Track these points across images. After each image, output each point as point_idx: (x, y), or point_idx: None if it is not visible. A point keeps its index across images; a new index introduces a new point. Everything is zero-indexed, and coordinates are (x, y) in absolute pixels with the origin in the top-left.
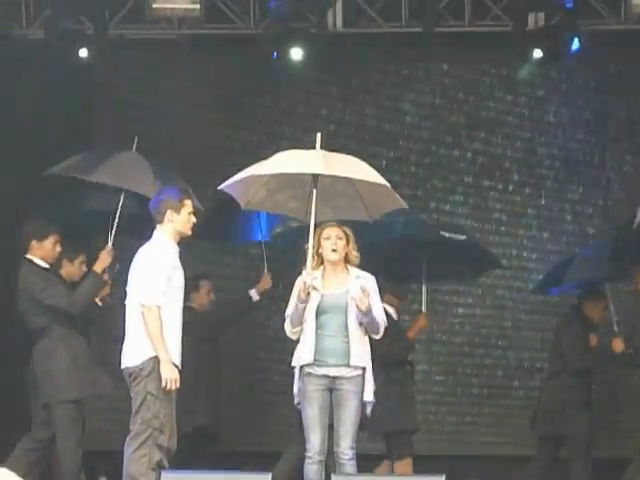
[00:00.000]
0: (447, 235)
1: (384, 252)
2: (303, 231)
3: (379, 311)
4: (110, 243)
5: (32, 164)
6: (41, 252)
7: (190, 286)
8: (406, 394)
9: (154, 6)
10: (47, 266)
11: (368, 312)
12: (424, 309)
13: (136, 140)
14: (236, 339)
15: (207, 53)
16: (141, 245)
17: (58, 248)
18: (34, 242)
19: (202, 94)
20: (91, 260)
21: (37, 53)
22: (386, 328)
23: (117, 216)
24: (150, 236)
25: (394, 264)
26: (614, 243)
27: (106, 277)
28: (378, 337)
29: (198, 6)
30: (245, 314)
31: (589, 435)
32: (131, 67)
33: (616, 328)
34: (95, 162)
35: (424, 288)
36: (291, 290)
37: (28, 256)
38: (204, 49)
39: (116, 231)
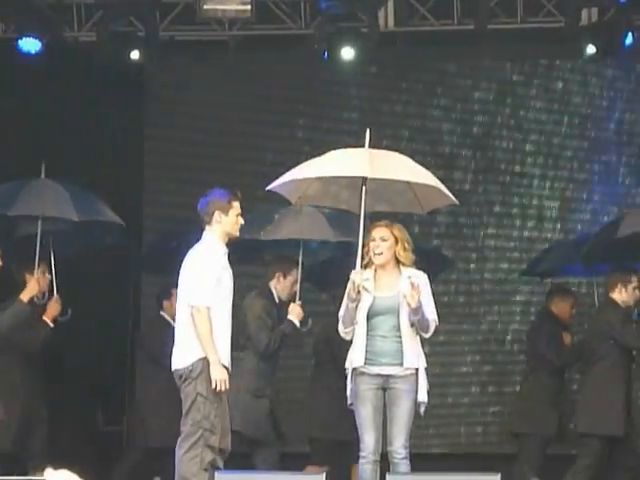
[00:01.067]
0: None
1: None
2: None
3: (430, 309)
4: (35, 271)
5: (85, 164)
6: None
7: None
8: None
9: (205, 7)
10: None
11: (418, 309)
12: None
13: (44, 166)
14: None
15: (258, 54)
16: None
17: None
18: None
19: (252, 95)
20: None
21: (89, 55)
22: None
23: (38, 243)
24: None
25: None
26: (594, 240)
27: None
28: (428, 336)
29: (249, 7)
30: None
31: (550, 434)
32: (181, 68)
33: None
34: (8, 195)
35: None
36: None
37: None
38: (255, 50)
39: (40, 257)
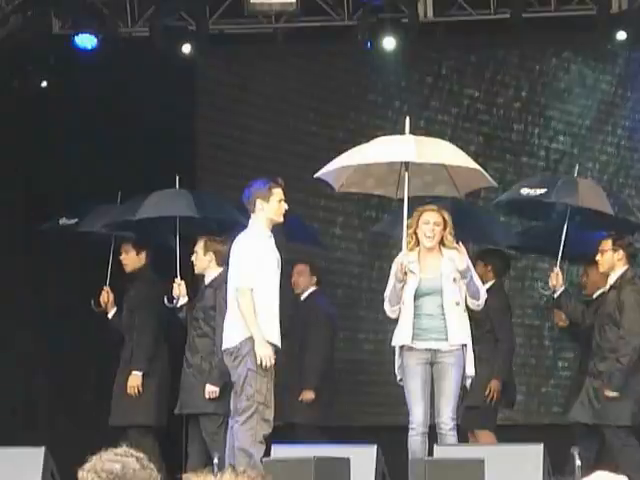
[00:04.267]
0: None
1: None
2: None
3: (476, 277)
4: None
5: (139, 157)
6: None
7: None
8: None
9: (252, 1)
10: None
11: (466, 271)
12: None
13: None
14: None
15: (303, 45)
16: None
17: None
18: None
19: (299, 85)
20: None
21: (142, 50)
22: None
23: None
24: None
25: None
26: None
27: None
28: (480, 303)
29: (294, 0)
30: None
31: None
32: (231, 61)
33: None
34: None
35: None
36: None
37: None
38: (300, 41)
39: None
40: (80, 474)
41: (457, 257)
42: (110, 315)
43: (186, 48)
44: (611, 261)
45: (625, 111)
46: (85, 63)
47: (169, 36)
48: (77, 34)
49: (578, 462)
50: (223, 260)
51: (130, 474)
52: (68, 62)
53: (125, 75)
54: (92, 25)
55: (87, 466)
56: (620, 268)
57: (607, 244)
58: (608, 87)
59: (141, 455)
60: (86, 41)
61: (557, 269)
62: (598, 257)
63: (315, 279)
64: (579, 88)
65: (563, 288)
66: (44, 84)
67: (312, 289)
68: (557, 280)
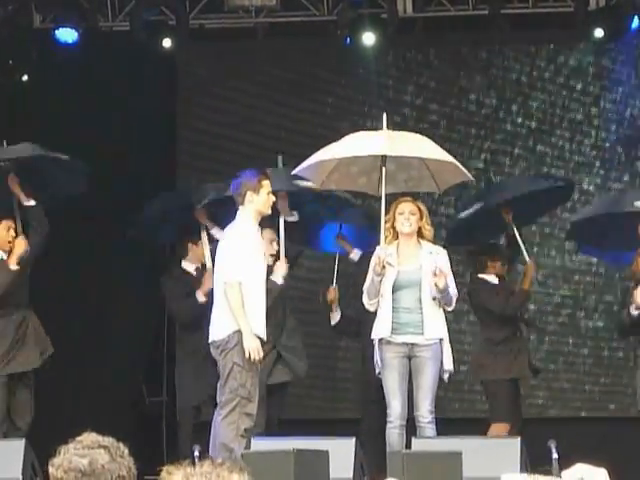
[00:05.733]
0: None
1: (465, 227)
2: None
3: (452, 284)
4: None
5: (120, 153)
6: None
7: None
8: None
9: None
10: None
11: (445, 290)
12: (527, 259)
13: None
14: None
15: (283, 40)
16: None
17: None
18: None
19: (279, 80)
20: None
21: (123, 44)
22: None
23: None
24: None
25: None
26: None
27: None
28: (451, 309)
29: None
30: None
31: None
32: (211, 55)
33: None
34: None
35: (520, 240)
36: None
37: None
38: (280, 36)
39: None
40: (50, 470)
41: (437, 279)
42: None
43: (166, 43)
44: None
45: (603, 105)
46: (66, 57)
47: (149, 31)
48: (58, 28)
49: (555, 455)
50: None
51: (99, 470)
52: (49, 56)
53: (106, 69)
54: (73, 19)
55: (56, 462)
56: None
57: None
58: (584, 83)
59: (111, 443)
60: (67, 35)
61: None
62: None
63: None
64: (557, 83)
65: None
66: (25, 78)
67: None
68: None
